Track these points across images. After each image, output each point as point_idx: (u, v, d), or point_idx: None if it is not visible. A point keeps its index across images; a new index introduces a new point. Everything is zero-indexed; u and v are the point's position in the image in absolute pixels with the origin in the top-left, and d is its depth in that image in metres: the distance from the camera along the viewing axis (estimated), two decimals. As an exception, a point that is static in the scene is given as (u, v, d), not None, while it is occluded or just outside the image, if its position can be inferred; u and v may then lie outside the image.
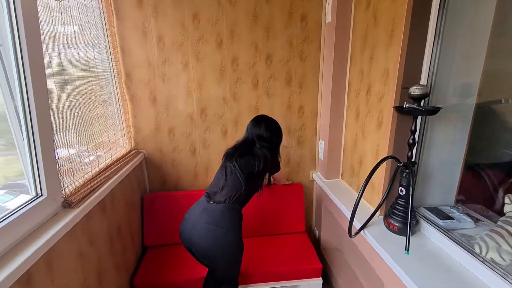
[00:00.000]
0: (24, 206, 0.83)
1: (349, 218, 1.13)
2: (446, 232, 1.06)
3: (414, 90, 1.00)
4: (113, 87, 1.58)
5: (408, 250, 0.96)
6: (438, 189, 1.26)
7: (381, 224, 1.23)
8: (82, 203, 1.05)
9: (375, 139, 1.32)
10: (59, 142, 1.04)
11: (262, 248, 1.67)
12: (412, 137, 1.08)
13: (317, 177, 1.91)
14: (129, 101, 1.69)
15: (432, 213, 1.18)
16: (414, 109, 0.99)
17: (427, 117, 1.15)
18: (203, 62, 1.68)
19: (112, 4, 1.52)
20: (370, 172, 1.01)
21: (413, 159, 1.12)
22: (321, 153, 1.86)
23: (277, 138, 1.42)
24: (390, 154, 1.20)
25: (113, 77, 1.57)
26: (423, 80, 1.11)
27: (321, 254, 1.94)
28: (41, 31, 0.86)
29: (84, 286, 1.04)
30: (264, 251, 1.65)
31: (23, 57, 0.80)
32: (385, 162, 1.22)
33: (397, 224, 1.13)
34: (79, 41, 1.24)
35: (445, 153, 1.22)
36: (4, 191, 0.93)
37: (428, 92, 1.00)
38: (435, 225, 1.12)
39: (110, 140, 1.48)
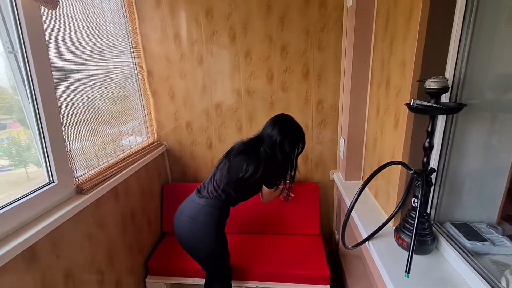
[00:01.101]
0: (35, 191, 0.96)
1: (342, 227, 1.01)
2: (469, 255, 0.87)
3: (430, 83, 0.83)
4: (136, 83, 1.70)
5: (408, 273, 0.82)
6: (472, 202, 1.04)
7: (393, 238, 1.08)
8: (93, 190, 1.17)
9: (392, 139, 1.15)
10: (77, 134, 1.17)
11: (268, 247, 1.63)
12: (428, 140, 0.90)
13: (337, 177, 1.77)
14: (151, 97, 1.81)
15: (459, 230, 0.99)
16: (425, 107, 0.82)
17: (454, 116, 0.94)
18: (217, 57, 1.68)
19: (134, 6, 1.62)
20: (367, 178, 0.88)
21: (430, 166, 0.94)
22: (341, 152, 1.71)
23: (290, 145, 1.20)
24: (405, 158, 1.03)
25: (136, 74, 1.69)
26: (449, 71, 0.91)
27: (338, 259, 1.81)
28: (45, 37, 0.96)
29: (92, 263, 1.17)
30: (270, 250, 1.60)
31: (28, 60, 0.91)
32: (401, 167, 1.06)
33: (407, 240, 0.98)
34: (107, 43, 1.36)
35: (483, 160, 0.99)
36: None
37: (448, 86, 0.82)
38: (459, 245, 0.93)
39: (129, 132, 1.60)
